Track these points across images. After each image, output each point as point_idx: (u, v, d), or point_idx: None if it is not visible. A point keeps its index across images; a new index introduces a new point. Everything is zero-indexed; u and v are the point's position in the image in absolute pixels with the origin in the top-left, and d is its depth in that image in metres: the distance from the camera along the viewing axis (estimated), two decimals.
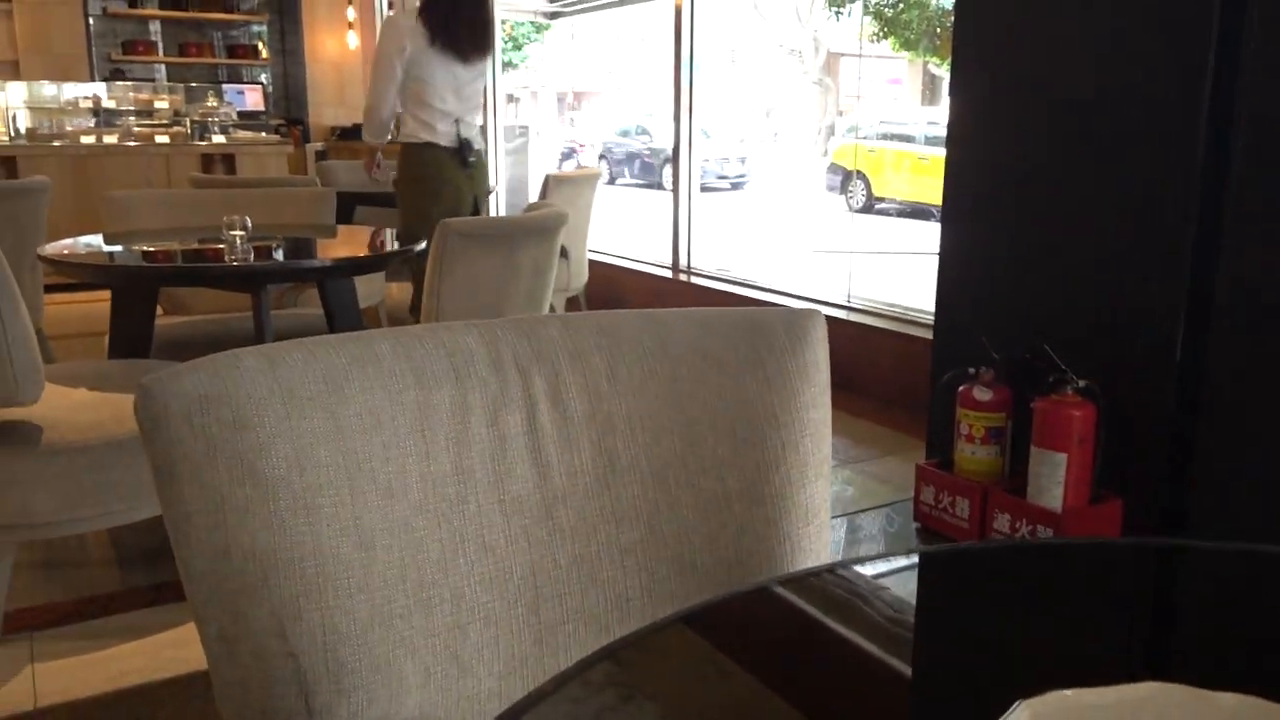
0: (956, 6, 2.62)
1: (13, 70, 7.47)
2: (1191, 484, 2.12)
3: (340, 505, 0.88)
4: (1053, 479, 2.14)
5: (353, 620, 0.86)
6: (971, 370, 2.39)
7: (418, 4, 3.44)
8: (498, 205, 7.46)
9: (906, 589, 0.87)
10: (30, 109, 6.47)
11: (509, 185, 7.85)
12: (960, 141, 2.61)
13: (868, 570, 0.87)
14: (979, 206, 2.56)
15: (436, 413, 0.97)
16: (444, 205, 3.40)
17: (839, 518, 2.75)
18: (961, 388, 2.39)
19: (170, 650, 1.98)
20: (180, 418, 0.82)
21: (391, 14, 3.41)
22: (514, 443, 1.01)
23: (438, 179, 3.47)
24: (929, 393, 2.76)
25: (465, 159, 3.48)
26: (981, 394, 2.35)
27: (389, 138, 3.60)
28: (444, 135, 3.45)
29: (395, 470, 0.93)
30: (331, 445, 0.89)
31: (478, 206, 3.64)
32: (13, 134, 6.11)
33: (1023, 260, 2.44)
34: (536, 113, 30.97)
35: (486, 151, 3.75)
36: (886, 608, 0.78)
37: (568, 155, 20.08)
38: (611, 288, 5.31)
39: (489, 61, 3.67)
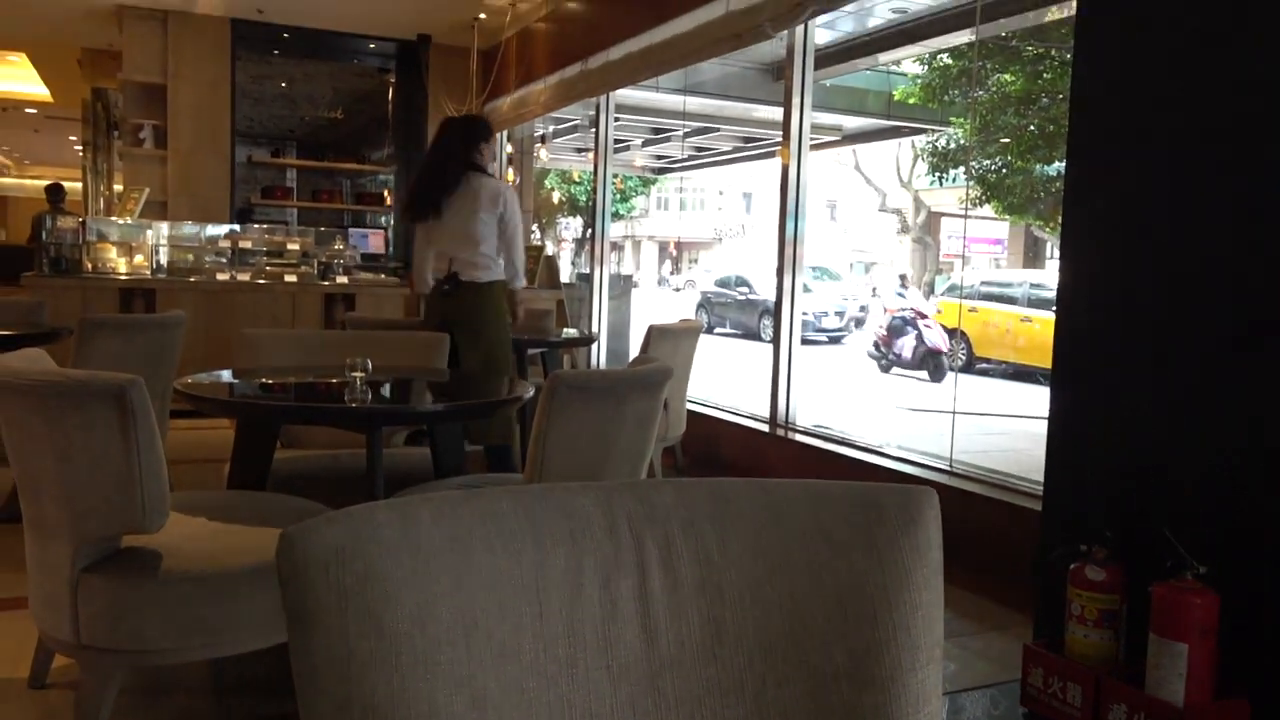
0: (1067, 175, 2.65)
1: (161, 210, 8.08)
2: None
3: (457, 663, 0.90)
4: (1173, 671, 2.03)
5: None
6: (1083, 547, 2.31)
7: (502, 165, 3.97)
8: (599, 354, 7.63)
9: None
10: (172, 246, 6.96)
11: (610, 332, 8.04)
12: (1071, 305, 2.60)
13: None
14: (1090, 372, 2.52)
15: (552, 573, 0.99)
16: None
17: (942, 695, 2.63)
18: (1072, 565, 2.30)
19: None
20: (317, 568, 0.87)
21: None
22: (624, 607, 1.02)
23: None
24: (1036, 566, 2.67)
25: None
26: (1094, 573, 2.26)
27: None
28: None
29: (510, 630, 0.95)
30: (452, 602, 0.92)
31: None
32: (154, 268, 6.56)
33: (1138, 430, 2.38)
34: (639, 262, 31.88)
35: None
36: None
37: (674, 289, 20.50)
38: (708, 439, 5.33)
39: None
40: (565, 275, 9.62)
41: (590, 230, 8.51)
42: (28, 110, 14.03)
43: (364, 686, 0.86)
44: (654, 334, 4.41)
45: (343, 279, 6.70)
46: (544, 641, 0.97)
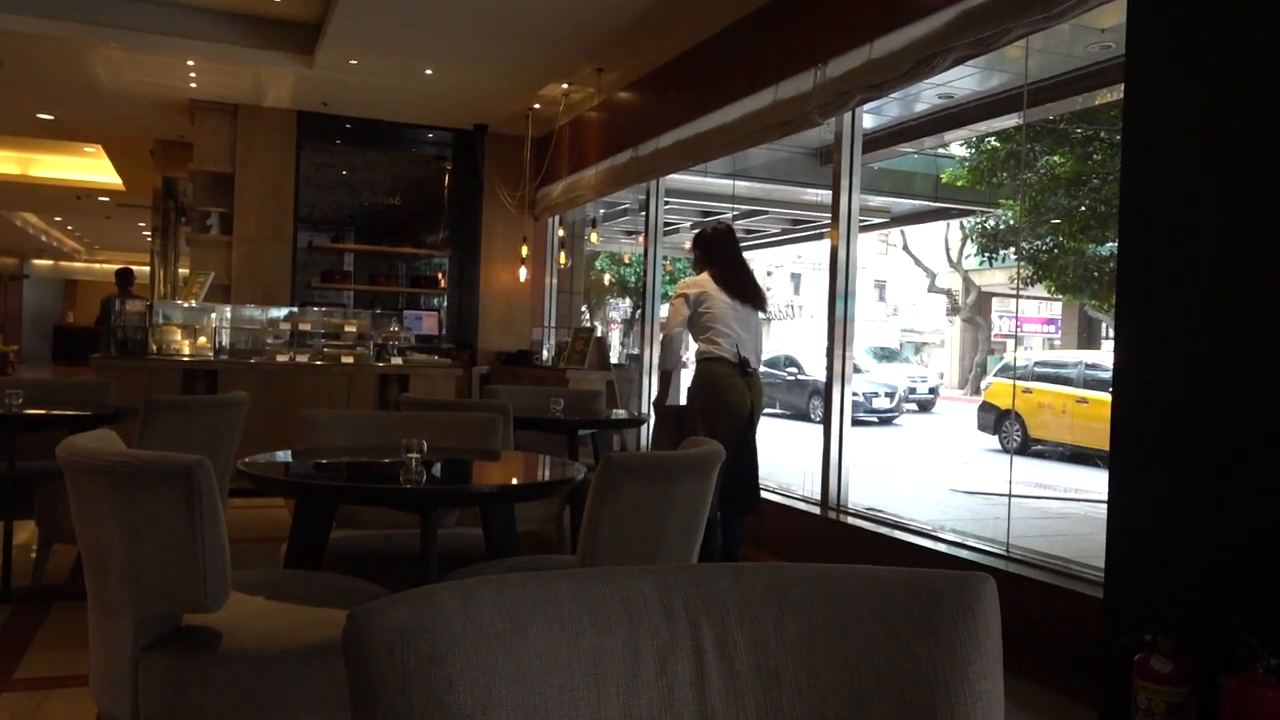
0: (1120, 257, 2.65)
1: (225, 294, 8.35)
2: None
3: None
4: None
5: None
6: (1148, 637, 2.25)
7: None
8: (649, 435, 7.63)
9: None
10: (234, 328, 7.16)
11: None
12: (1128, 386, 2.57)
13: None
14: (1151, 455, 2.49)
15: (609, 657, 1.00)
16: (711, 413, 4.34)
17: None
18: (1138, 656, 2.24)
19: None
20: (383, 649, 0.89)
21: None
22: (680, 693, 1.03)
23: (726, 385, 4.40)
24: (1099, 656, 2.60)
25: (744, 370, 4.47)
26: (1161, 664, 2.20)
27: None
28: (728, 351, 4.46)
29: (568, 714, 0.96)
30: (512, 685, 0.93)
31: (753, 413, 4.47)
32: (216, 350, 6.75)
33: (1202, 515, 2.33)
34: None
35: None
36: None
37: None
38: (756, 521, 5.28)
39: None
40: (615, 356, 9.69)
41: (640, 311, 8.60)
42: (100, 198, 14.64)
43: None
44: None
45: (397, 360, 6.82)
46: None
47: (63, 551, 4.00)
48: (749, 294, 4.62)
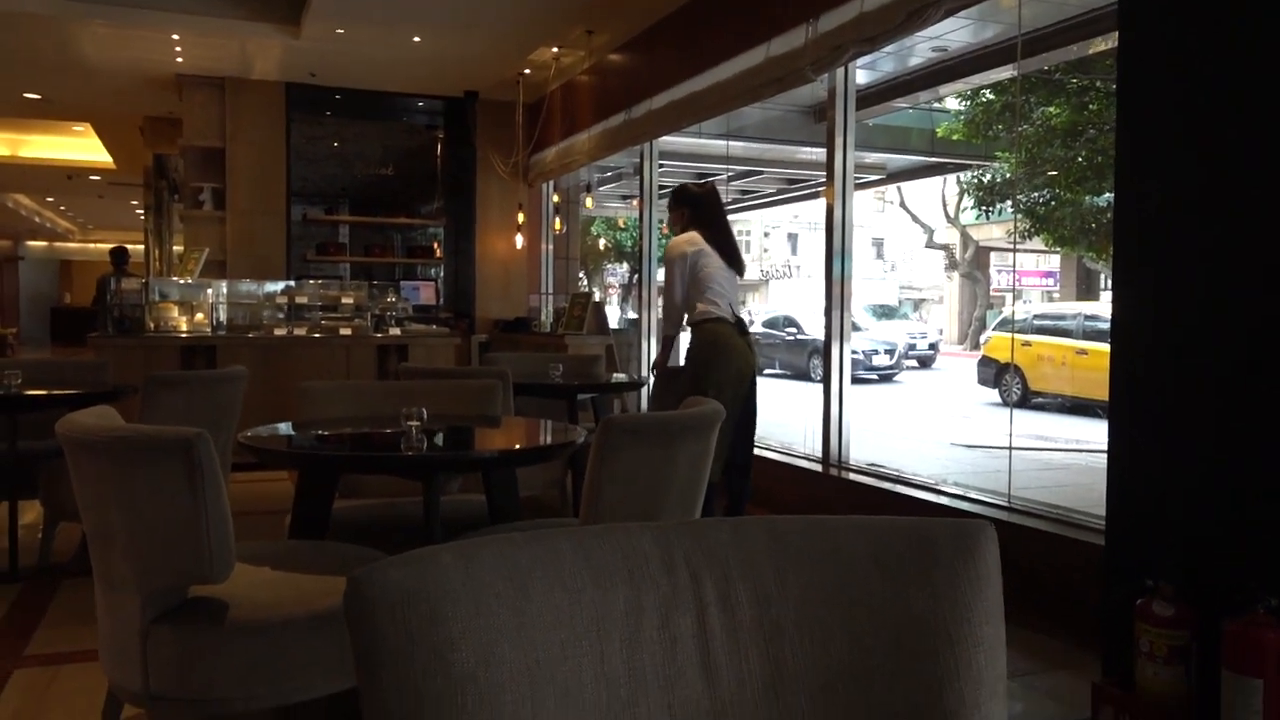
0: (1116, 206, 2.64)
1: (220, 270, 8.32)
2: None
3: (520, 704, 0.91)
4: (1248, 708, 1.97)
5: None
6: (1150, 583, 2.26)
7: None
8: (649, 398, 7.64)
9: None
10: (231, 304, 7.14)
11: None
12: (1126, 336, 2.57)
13: None
14: (1149, 404, 2.49)
15: (612, 613, 1.01)
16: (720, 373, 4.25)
17: None
18: (1139, 601, 2.26)
19: None
20: (385, 611, 0.89)
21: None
22: (684, 645, 1.03)
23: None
24: (1101, 602, 2.62)
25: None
26: (1162, 609, 2.21)
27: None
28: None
29: (571, 670, 0.96)
30: (515, 642, 0.93)
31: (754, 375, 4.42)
32: (214, 326, 6.74)
33: (1201, 462, 2.34)
34: None
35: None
36: None
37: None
38: (760, 479, 5.30)
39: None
40: (613, 321, 9.68)
41: (636, 275, 8.58)
42: (92, 177, 14.55)
43: None
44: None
45: (395, 331, 6.81)
46: (605, 681, 0.98)
47: (68, 530, 4.02)
48: (735, 257, 4.55)
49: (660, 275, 6.15)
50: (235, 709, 2.07)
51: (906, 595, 1.06)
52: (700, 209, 4.56)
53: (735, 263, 4.52)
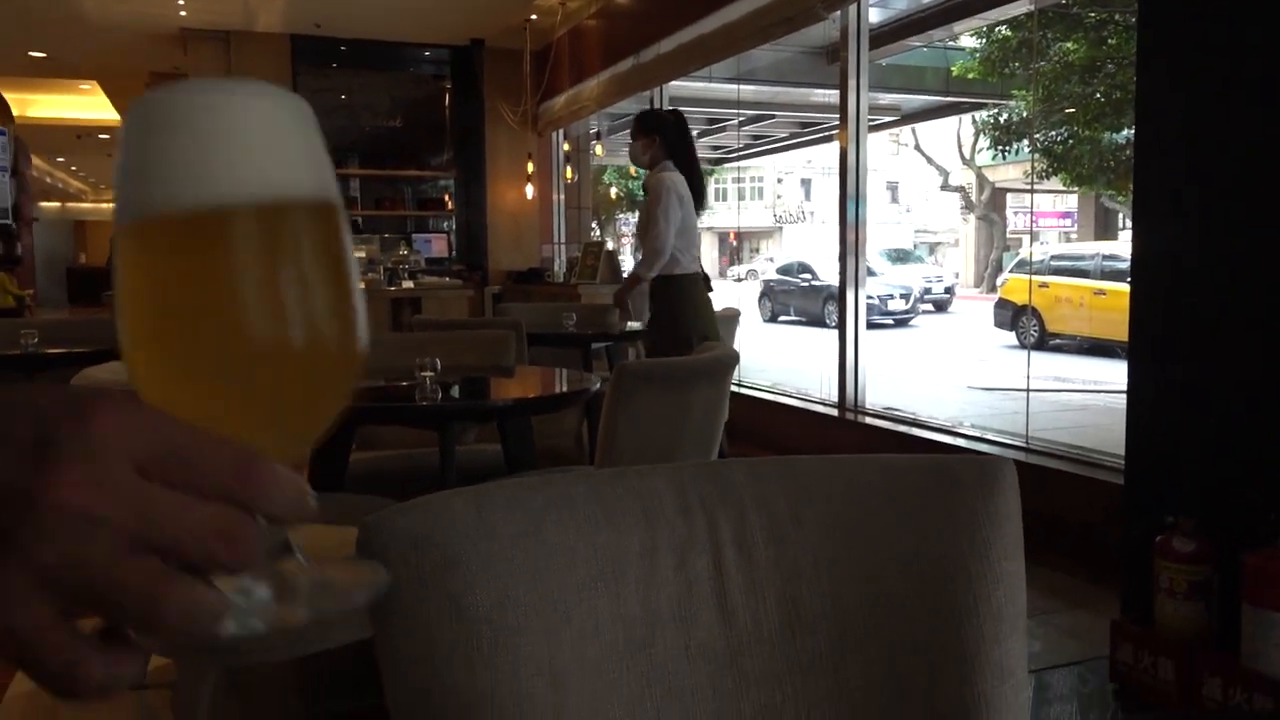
0: (1137, 142, 2.58)
1: None
2: None
3: (536, 646, 0.91)
4: (1269, 641, 1.97)
5: None
6: (1169, 519, 2.25)
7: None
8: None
9: None
10: None
11: None
12: (1146, 275, 2.53)
13: None
14: (1169, 343, 2.46)
15: (627, 554, 1.00)
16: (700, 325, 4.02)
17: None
18: (1159, 537, 2.25)
19: None
20: (397, 556, 0.88)
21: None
22: (700, 587, 1.02)
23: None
24: (1119, 542, 2.61)
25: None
26: (1182, 544, 2.20)
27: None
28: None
29: (587, 611, 0.96)
30: (529, 585, 0.93)
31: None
32: None
33: (1222, 398, 2.31)
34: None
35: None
36: None
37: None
38: (775, 425, 5.30)
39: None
40: (627, 270, 9.64)
41: None
42: (101, 136, 14.51)
43: (448, 672, 0.88)
44: None
45: (409, 283, 6.80)
46: (621, 623, 0.97)
47: None
48: (701, 196, 4.19)
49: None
50: (257, 659, 2.10)
51: (925, 531, 1.05)
52: (670, 138, 4.12)
53: (700, 203, 4.18)
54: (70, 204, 24.64)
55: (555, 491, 1.01)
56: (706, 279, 4.19)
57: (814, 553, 1.05)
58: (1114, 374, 7.94)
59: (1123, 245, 12.25)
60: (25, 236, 24.06)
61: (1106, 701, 2.36)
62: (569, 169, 9.02)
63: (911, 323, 16.47)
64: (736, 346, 4.66)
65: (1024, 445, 3.92)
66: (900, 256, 22.00)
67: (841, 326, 5.11)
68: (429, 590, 0.88)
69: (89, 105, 12.74)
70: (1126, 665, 2.29)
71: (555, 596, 0.94)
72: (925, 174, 26.07)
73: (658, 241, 3.99)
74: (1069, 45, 11.85)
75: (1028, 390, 6.11)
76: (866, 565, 1.05)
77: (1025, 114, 14.11)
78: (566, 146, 9.08)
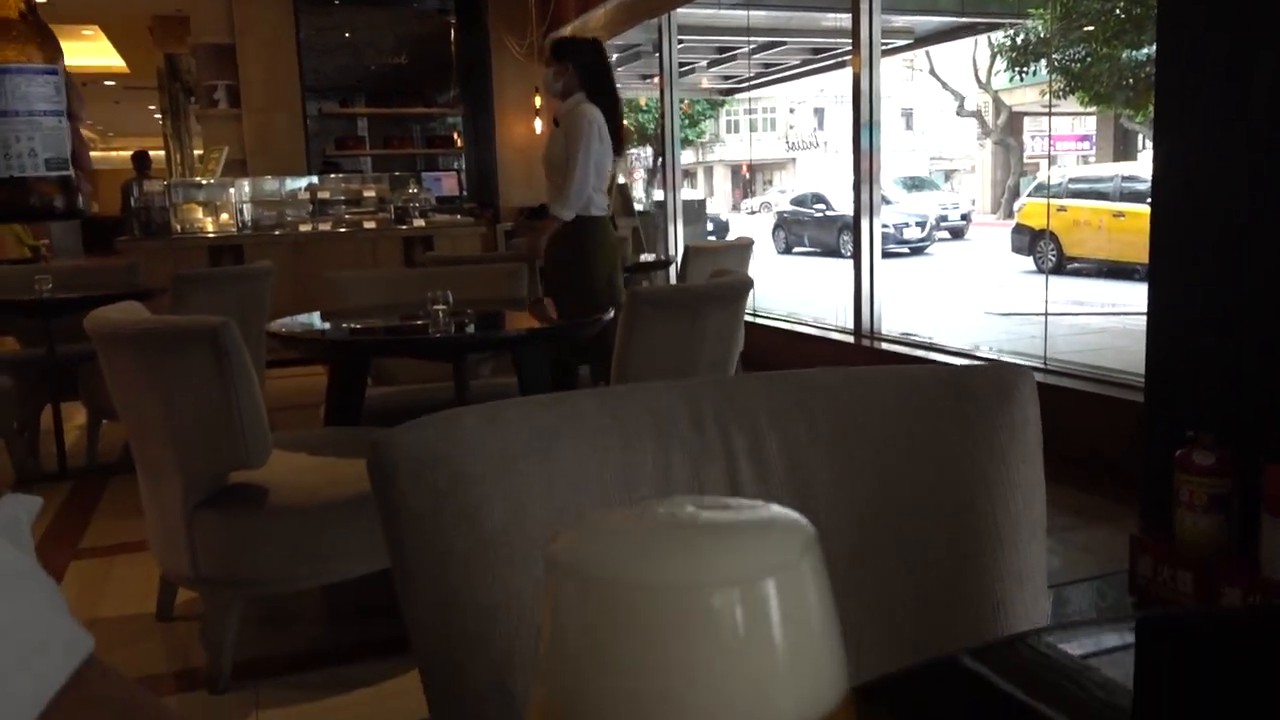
0: (1159, 54, 2.52)
1: (241, 169, 8.25)
2: None
3: None
4: None
5: None
6: (1190, 433, 2.23)
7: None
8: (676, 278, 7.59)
9: (1122, 670, 0.80)
10: (255, 202, 7.11)
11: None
12: (1166, 193, 2.48)
13: (1074, 646, 0.81)
14: (1190, 261, 2.42)
15: (640, 469, 0.99)
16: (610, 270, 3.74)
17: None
18: (1179, 451, 2.23)
19: (392, 700, 2.07)
20: (408, 474, 0.88)
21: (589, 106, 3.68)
22: None
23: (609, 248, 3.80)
24: (1138, 458, 2.60)
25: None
26: (1202, 457, 2.19)
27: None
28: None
29: None
30: (544, 500, 0.92)
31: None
32: (240, 225, 6.73)
33: (1242, 313, 2.28)
34: (713, 187, 31.53)
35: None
36: (1097, 689, 0.73)
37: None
38: (791, 353, 5.29)
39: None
40: (639, 204, 9.56)
41: (660, 159, 8.42)
42: (106, 83, 14.39)
43: (463, 586, 0.88)
44: (691, 254, 4.37)
45: (420, 222, 6.77)
46: None
47: (114, 429, 4.10)
48: (619, 138, 3.82)
49: (685, 156, 6.00)
50: (281, 589, 2.13)
51: (941, 439, 1.03)
52: (589, 66, 3.77)
53: (619, 146, 3.82)
54: None
55: (566, 408, 1.00)
56: (612, 219, 3.90)
57: (829, 464, 1.04)
58: (1133, 297, 7.86)
59: (1142, 166, 12.03)
60: (85, 187, 24.09)
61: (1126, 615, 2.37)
62: None
63: (928, 250, 16.31)
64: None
65: (1042, 366, 3.89)
66: (916, 184, 21.72)
67: (856, 255, 5.06)
68: (442, 507, 0.87)
69: (92, 51, 12.60)
70: (1146, 579, 2.30)
71: (570, 512, 0.93)
72: (940, 99, 25.60)
73: (577, 180, 3.65)
74: None
75: (1045, 314, 6.07)
76: (882, 474, 1.04)
77: (1043, 33, 13.79)
78: None
